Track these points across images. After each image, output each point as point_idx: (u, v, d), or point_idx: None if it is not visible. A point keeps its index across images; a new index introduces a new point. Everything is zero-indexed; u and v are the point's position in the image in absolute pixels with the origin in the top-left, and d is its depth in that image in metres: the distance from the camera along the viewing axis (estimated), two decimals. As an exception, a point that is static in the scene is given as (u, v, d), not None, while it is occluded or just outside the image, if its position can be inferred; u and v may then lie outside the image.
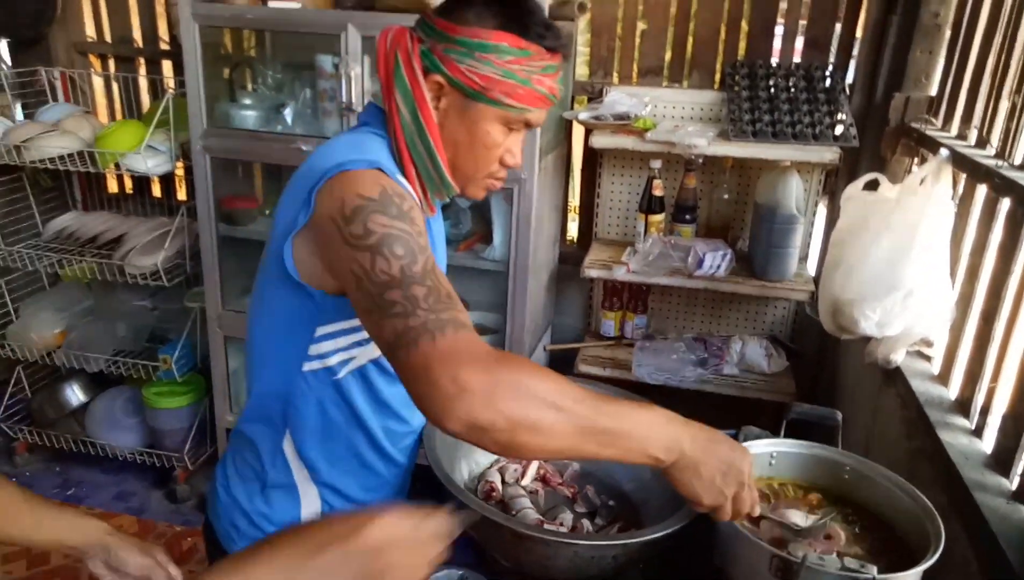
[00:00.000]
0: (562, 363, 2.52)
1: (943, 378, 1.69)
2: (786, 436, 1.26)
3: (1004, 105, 1.62)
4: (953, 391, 1.63)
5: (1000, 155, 1.58)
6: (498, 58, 0.94)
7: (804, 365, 2.44)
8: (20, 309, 2.73)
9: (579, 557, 1.00)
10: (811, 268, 2.39)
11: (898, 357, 1.75)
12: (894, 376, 1.78)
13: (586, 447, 0.83)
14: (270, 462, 1.09)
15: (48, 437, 2.76)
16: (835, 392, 2.35)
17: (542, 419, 0.79)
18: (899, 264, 1.63)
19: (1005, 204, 1.46)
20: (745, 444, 1.23)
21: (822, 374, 2.46)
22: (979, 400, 1.50)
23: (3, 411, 2.79)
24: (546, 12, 1.84)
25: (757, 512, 0.97)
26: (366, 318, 0.86)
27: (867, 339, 1.76)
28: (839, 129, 2.14)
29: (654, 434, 0.86)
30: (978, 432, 1.47)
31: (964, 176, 1.70)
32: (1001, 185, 1.42)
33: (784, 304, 2.50)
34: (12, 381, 2.82)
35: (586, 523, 1.20)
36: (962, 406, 1.56)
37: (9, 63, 2.80)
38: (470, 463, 1.30)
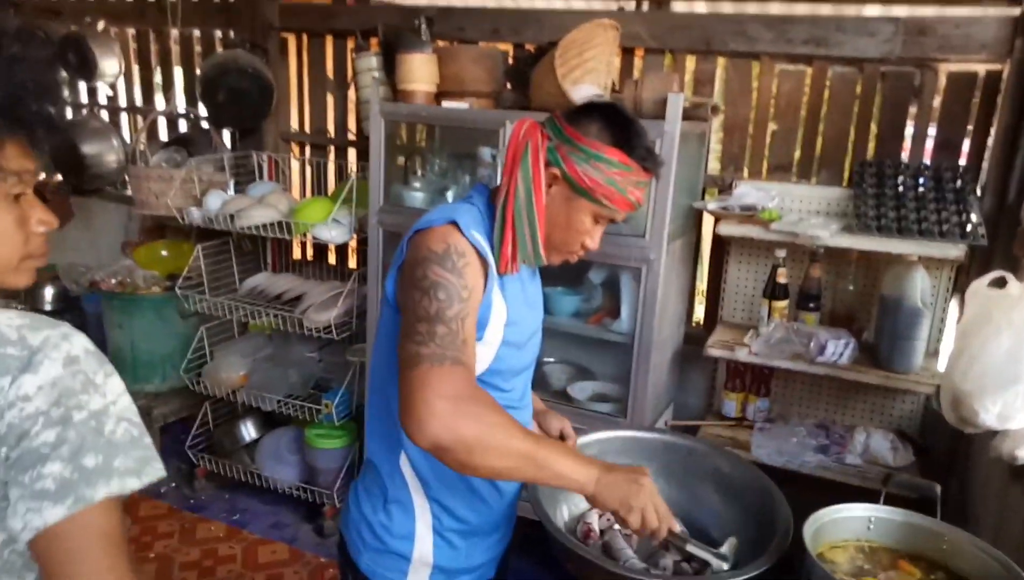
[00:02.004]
0: (683, 438, 2.63)
1: (1072, 478, 1.67)
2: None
3: None
4: (1081, 491, 1.62)
5: None
6: (608, 168, 1.18)
7: (932, 461, 2.40)
8: (214, 352, 3.21)
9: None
10: (941, 364, 2.39)
11: (1024, 453, 1.74)
12: (1022, 473, 1.77)
13: (527, 470, 1.06)
14: (389, 480, 1.28)
15: (223, 466, 3.17)
16: (967, 491, 2.29)
17: (493, 445, 1.01)
18: (1019, 358, 1.66)
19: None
20: (846, 506, 1.33)
21: (953, 472, 2.41)
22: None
23: (191, 440, 3.24)
24: (680, 112, 2.09)
25: (664, 533, 1.16)
26: (400, 340, 1.09)
27: (995, 434, 1.78)
28: (968, 228, 2.19)
29: (575, 464, 1.10)
30: (1102, 533, 1.46)
31: (1092, 277, 1.72)
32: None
33: (912, 398, 2.50)
34: (200, 415, 3.28)
35: (686, 566, 1.32)
36: (1089, 506, 1.55)
37: (229, 148, 3.40)
38: (570, 505, 1.46)
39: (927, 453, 2.42)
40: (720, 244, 2.70)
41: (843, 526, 1.30)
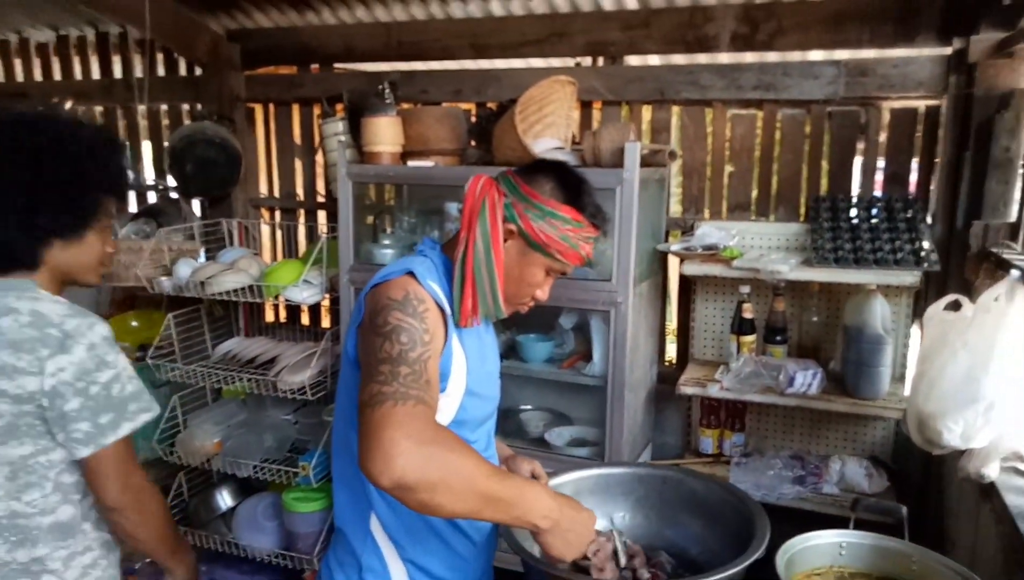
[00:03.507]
0: (663, 479, 2.64)
1: (1040, 492, 1.71)
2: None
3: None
4: (1049, 505, 1.65)
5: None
6: (562, 225, 1.24)
7: (906, 485, 2.43)
8: (187, 421, 3.17)
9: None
10: (907, 389, 2.44)
11: (991, 472, 1.78)
12: (990, 492, 1.80)
13: (486, 512, 1.05)
14: (361, 546, 1.27)
15: (200, 537, 3.10)
16: (942, 512, 2.32)
17: (456, 484, 1.00)
18: (977, 378, 1.71)
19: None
20: (816, 533, 1.35)
21: (927, 494, 2.44)
22: (1070, 511, 1.52)
23: (166, 511, 3.17)
24: (638, 159, 2.17)
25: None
26: (361, 385, 1.08)
27: (961, 454, 1.82)
28: (921, 255, 2.27)
29: (538, 506, 1.10)
30: (1073, 544, 1.49)
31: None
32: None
33: (883, 424, 2.54)
34: (174, 486, 3.22)
35: (644, 574, 1.32)
36: (1057, 519, 1.58)
37: (199, 216, 3.43)
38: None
39: (901, 477, 2.45)
40: (687, 284, 2.76)
41: (816, 553, 1.32)
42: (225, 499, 3.22)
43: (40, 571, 1.38)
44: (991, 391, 1.69)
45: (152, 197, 3.76)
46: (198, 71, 3.39)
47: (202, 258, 3.20)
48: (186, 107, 3.56)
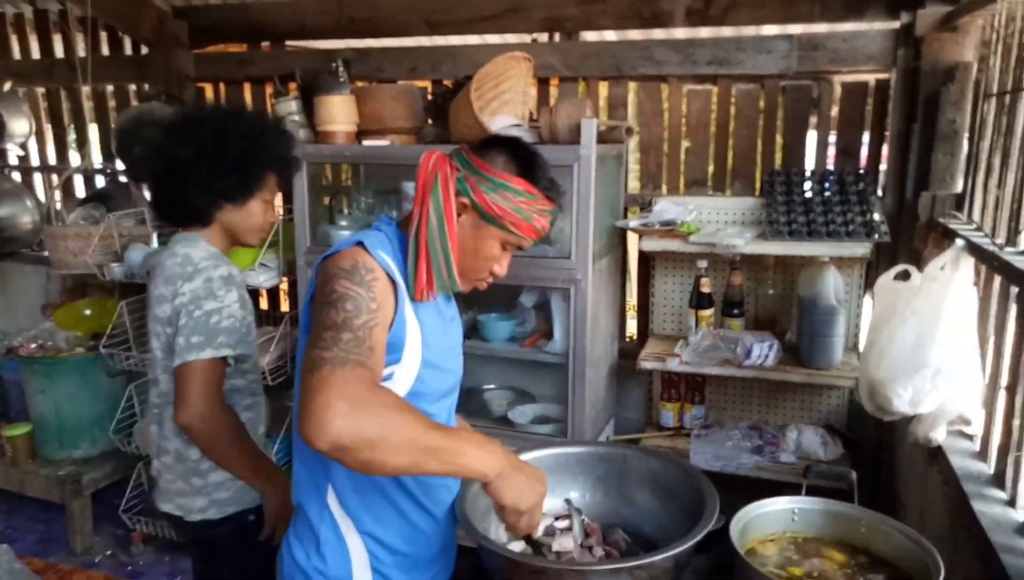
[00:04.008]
0: (626, 453, 2.67)
1: (983, 454, 1.77)
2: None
3: (1008, 194, 1.78)
4: (991, 465, 1.71)
5: (1010, 244, 1.73)
6: (514, 197, 1.24)
7: (860, 452, 2.50)
8: (144, 410, 3.10)
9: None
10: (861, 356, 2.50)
11: (938, 435, 1.84)
12: (937, 455, 1.86)
13: (430, 464, 1.05)
14: (319, 519, 1.26)
15: (162, 527, 3.06)
16: (894, 478, 2.40)
17: (394, 439, 1.00)
18: (925, 345, 1.76)
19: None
20: (769, 500, 1.38)
21: (880, 460, 2.51)
22: (1011, 471, 1.58)
23: (125, 503, 3.12)
24: (594, 136, 2.16)
25: (538, 533, 1.24)
26: (304, 352, 1.08)
27: (910, 421, 1.87)
28: (872, 227, 2.32)
29: (482, 455, 1.10)
30: (1013, 502, 1.55)
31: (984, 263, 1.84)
32: (999, 267, 1.58)
33: (838, 393, 2.60)
34: (133, 476, 3.16)
35: (599, 551, 1.33)
36: (999, 479, 1.64)
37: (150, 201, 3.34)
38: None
39: (855, 444, 2.52)
40: (646, 259, 2.78)
41: (769, 520, 1.35)
42: (185, 487, 3.18)
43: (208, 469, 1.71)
44: (938, 358, 1.74)
45: (101, 181, 3.66)
46: (144, 50, 3.29)
47: (155, 243, 3.13)
48: (133, 87, 3.45)
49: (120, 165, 3.29)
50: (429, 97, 2.73)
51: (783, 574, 1.25)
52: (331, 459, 1.01)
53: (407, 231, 1.26)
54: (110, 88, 3.53)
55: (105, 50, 3.48)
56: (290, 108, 2.83)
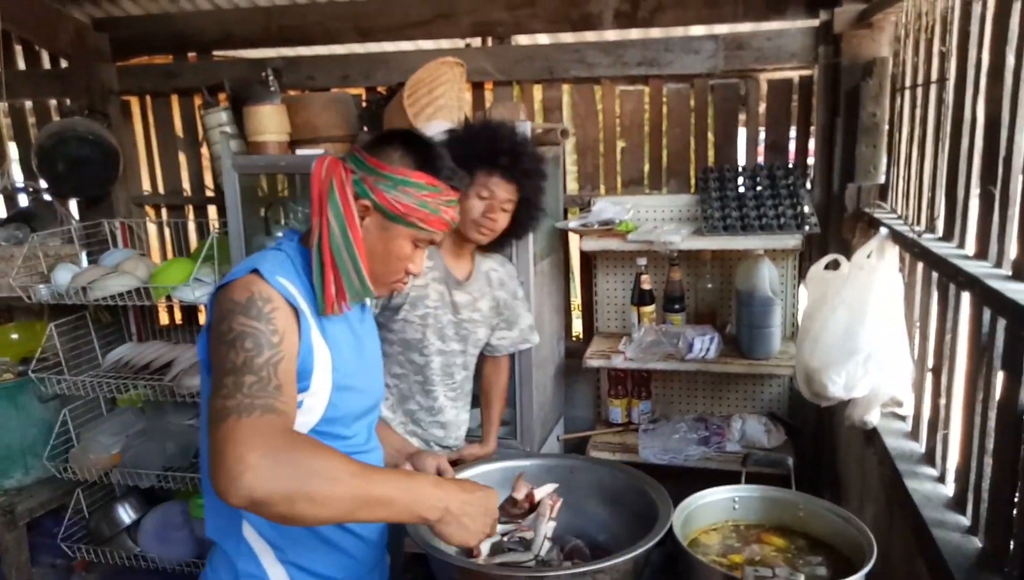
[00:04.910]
0: (576, 451, 2.69)
1: (915, 434, 1.84)
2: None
3: (925, 183, 1.86)
4: (922, 444, 1.78)
5: (929, 230, 1.80)
6: (417, 192, 1.18)
7: (803, 439, 2.58)
8: (80, 435, 3.00)
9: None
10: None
11: (872, 418, 1.90)
12: (872, 437, 1.93)
13: (361, 513, 0.99)
14: (235, 553, 1.19)
15: (104, 554, 2.96)
16: (834, 462, 2.47)
17: (317, 491, 0.93)
18: (855, 331, 1.82)
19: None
20: (710, 490, 1.41)
21: (822, 445, 2.59)
22: (939, 448, 1.65)
23: (64, 531, 3.00)
24: (530, 137, 2.17)
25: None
26: (207, 404, 1.01)
27: (846, 405, 1.93)
28: (802, 219, 2.39)
29: (420, 498, 1.05)
30: (942, 478, 1.61)
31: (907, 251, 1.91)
32: (920, 254, 1.64)
33: (778, 382, 2.67)
34: (72, 503, 3.05)
35: (567, 564, 1.34)
36: (929, 456, 1.70)
37: (77, 218, 3.23)
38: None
39: (798, 430, 2.59)
40: (588, 259, 2.81)
41: (711, 509, 1.38)
42: (128, 512, 3.09)
43: None
44: (868, 343, 1.80)
45: (24, 201, 3.52)
46: (64, 63, 3.18)
47: (84, 262, 3.03)
48: (54, 103, 3.33)
49: (43, 184, 3.16)
50: (363, 104, 2.70)
51: (725, 562, 1.27)
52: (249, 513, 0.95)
53: (310, 245, 1.19)
54: (29, 104, 3.39)
55: (21, 64, 3.34)
56: (220, 119, 2.77)
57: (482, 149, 1.82)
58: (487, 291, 2.01)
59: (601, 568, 1.15)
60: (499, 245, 1.98)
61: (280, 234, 2.62)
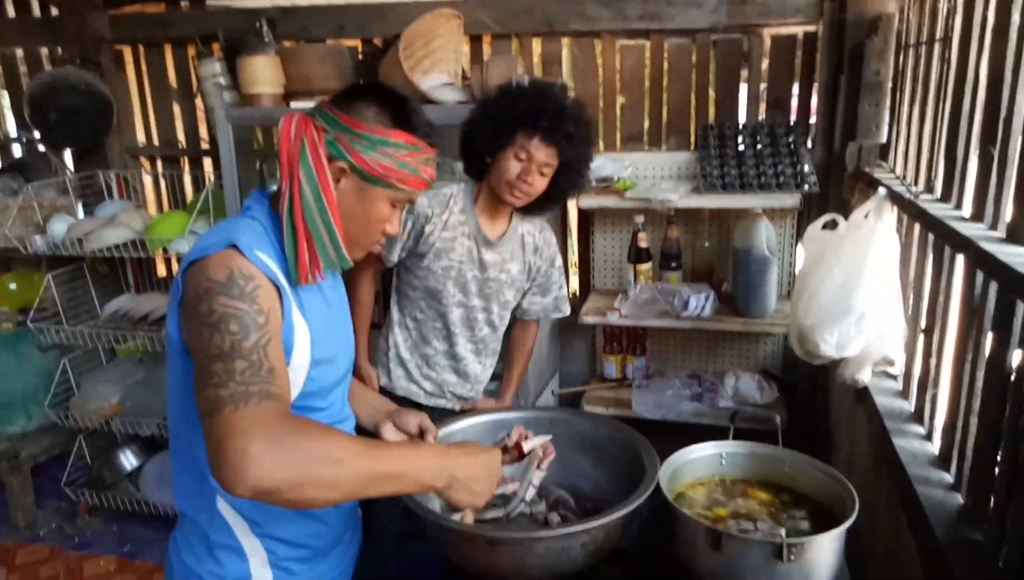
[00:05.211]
0: (570, 406, 2.72)
1: (905, 393, 1.86)
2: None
3: (925, 143, 1.85)
4: (911, 403, 1.80)
5: (927, 191, 1.79)
6: (395, 152, 1.11)
7: (796, 396, 2.60)
8: (81, 383, 3.03)
9: (551, 552, 1.17)
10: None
11: (864, 376, 1.92)
12: (863, 395, 1.95)
13: (370, 490, 0.98)
14: (209, 526, 1.16)
15: (106, 499, 3.02)
16: (827, 419, 2.50)
17: (325, 475, 0.92)
18: (850, 291, 1.82)
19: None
20: (698, 446, 1.43)
21: (814, 403, 2.62)
22: (928, 407, 1.67)
23: (67, 478, 3.06)
24: (524, 83, 2.14)
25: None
26: (196, 387, 0.96)
27: (838, 364, 1.95)
28: (802, 178, 2.37)
29: (427, 469, 1.05)
30: (929, 436, 1.64)
31: (904, 212, 1.91)
32: (917, 215, 1.64)
33: (773, 340, 2.69)
34: (74, 450, 3.10)
35: (554, 516, 1.37)
36: (918, 415, 1.73)
37: (72, 169, 3.20)
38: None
39: (790, 388, 2.62)
40: (585, 216, 2.80)
41: (698, 464, 1.40)
42: (130, 459, 3.14)
43: None
44: (862, 303, 1.80)
45: (17, 151, 3.49)
46: (54, 11, 3.11)
47: (80, 213, 3.02)
48: (45, 52, 3.27)
49: (37, 134, 3.13)
50: (359, 57, 2.66)
51: (709, 514, 1.30)
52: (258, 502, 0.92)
53: (280, 209, 1.10)
54: (20, 52, 3.34)
55: (11, 11, 3.28)
56: (214, 70, 2.74)
57: (524, 109, 1.75)
58: (519, 254, 1.98)
59: (592, 527, 1.17)
60: (539, 208, 1.91)
61: (276, 187, 2.60)
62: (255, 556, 1.17)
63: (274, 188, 1.20)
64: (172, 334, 1.07)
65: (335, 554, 1.29)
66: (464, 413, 1.56)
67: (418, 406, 1.98)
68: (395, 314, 1.99)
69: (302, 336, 1.11)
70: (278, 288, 1.06)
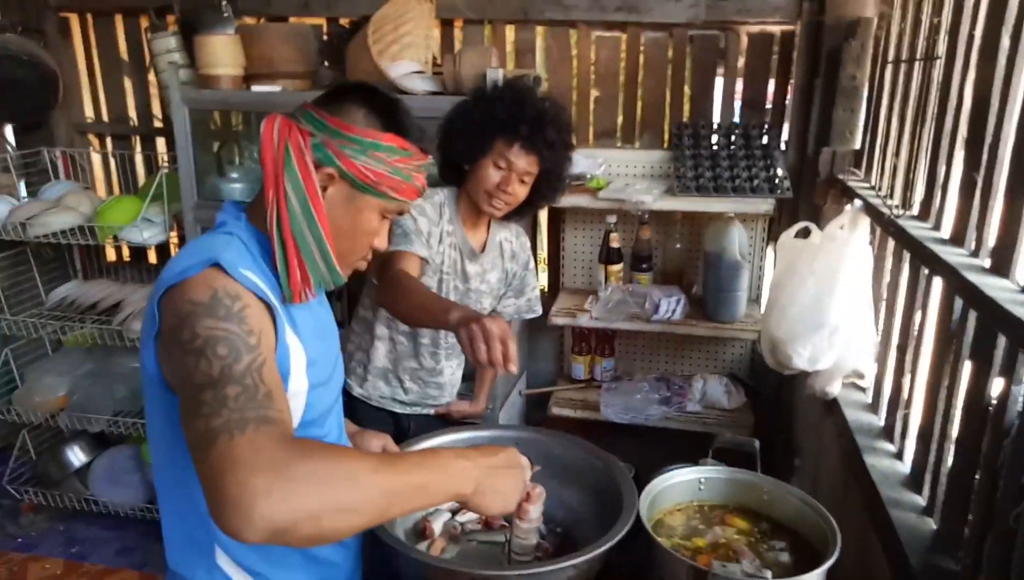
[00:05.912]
0: (538, 406, 2.69)
1: (874, 407, 1.86)
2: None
3: (903, 158, 1.83)
4: (881, 418, 1.80)
5: (902, 205, 1.77)
6: (388, 157, 1.03)
7: (762, 401, 2.60)
8: (25, 375, 2.89)
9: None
10: (762, 310, 2.57)
11: (834, 389, 1.91)
12: (832, 407, 1.94)
13: (394, 509, 0.87)
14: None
15: (52, 497, 2.89)
16: (792, 425, 2.51)
17: (344, 499, 0.80)
18: (823, 304, 1.80)
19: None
20: (676, 471, 1.40)
21: (780, 409, 2.62)
22: (899, 425, 1.66)
23: (9, 474, 2.92)
24: (501, 85, 2.07)
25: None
26: (184, 421, 0.85)
27: (808, 374, 1.94)
28: (775, 182, 2.35)
29: (452, 475, 0.94)
30: (900, 455, 1.63)
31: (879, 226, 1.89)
32: (894, 233, 1.62)
33: (741, 344, 2.68)
34: (17, 445, 2.96)
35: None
36: (888, 432, 1.72)
37: (14, 145, 3.02)
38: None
39: (757, 393, 2.62)
40: (555, 213, 2.74)
41: (677, 490, 1.37)
42: (78, 455, 3.01)
43: None
44: (835, 316, 1.79)
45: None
46: (-6, -26, 2.91)
47: (23, 193, 2.86)
48: (-16, 18, 3.06)
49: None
50: (324, 37, 2.54)
51: (688, 546, 1.27)
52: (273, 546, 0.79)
53: (264, 223, 1.01)
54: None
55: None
56: (168, 45, 2.58)
57: (503, 115, 1.68)
58: (498, 263, 1.93)
59: (579, 562, 1.12)
60: (517, 213, 1.85)
61: (235, 173, 2.48)
62: None
63: (248, 201, 1.10)
64: (149, 367, 0.97)
65: None
66: (436, 432, 1.49)
67: (394, 415, 1.95)
68: (380, 329, 1.87)
69: (298, 360, 1.02)
70: (269, 307, 0.97)
